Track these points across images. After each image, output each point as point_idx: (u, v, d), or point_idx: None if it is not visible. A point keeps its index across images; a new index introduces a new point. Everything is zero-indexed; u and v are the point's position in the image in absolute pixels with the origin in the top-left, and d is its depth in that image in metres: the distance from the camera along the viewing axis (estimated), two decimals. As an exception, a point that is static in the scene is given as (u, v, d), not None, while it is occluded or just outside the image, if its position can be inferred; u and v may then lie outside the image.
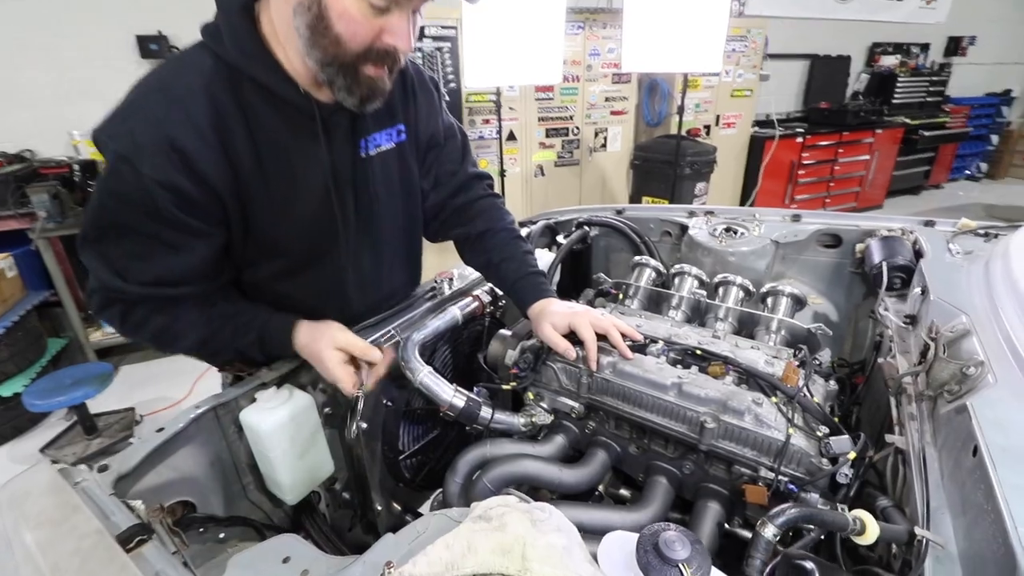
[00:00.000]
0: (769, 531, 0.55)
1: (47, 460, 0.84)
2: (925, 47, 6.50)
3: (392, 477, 1.20)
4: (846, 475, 0.76)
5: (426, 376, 0.99)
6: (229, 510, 1.01)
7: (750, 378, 0.91)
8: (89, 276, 0.88)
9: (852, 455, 0.74)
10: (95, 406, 2.61)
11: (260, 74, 0.82)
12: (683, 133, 4.61)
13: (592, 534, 0.82)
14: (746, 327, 1.17)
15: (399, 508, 1.27)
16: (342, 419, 1.10)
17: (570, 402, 1.02)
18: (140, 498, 0.82)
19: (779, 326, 1.11)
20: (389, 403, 1.12)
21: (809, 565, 0.47)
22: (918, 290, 0.96)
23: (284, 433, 0.95)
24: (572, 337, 0.99)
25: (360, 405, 0.94)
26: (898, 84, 6.18)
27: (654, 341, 1.01)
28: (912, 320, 0.96)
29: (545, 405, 1.05)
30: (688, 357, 0.98)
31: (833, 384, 0.94)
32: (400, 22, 0.78)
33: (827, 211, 1.52)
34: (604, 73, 4.24)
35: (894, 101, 6.18)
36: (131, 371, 3.14)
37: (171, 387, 2.94)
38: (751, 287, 1.23)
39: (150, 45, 3.21)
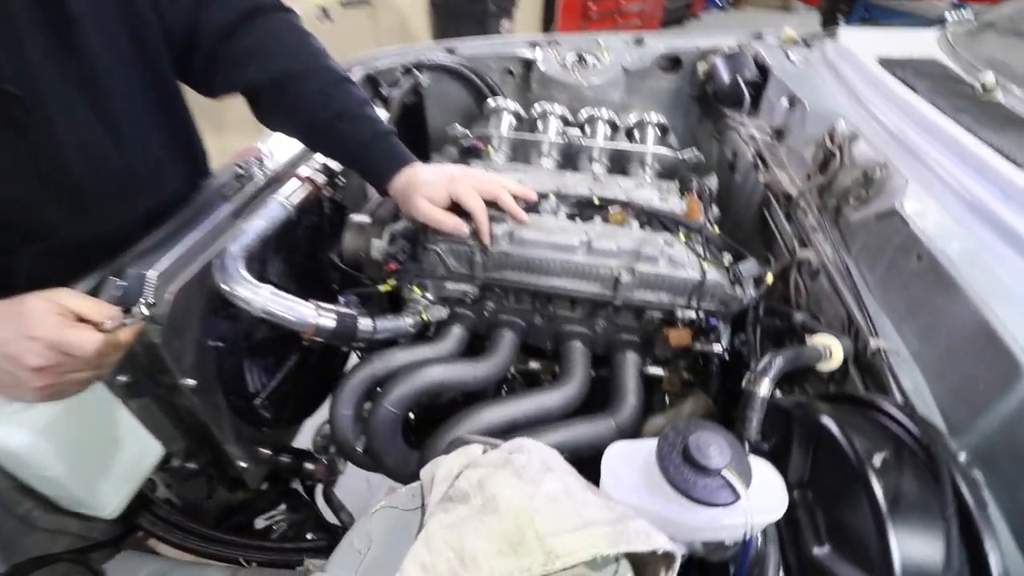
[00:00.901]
0: (764, 387, 0.51)
1: None
2: None
3: (251, 425, 0.95)
4: (753, 297, 0.76)
5: (268, 299, 0.72)
6: (13, 555, 0.68)
7: (652, 219, 0.85)
8: None
9: (770, 277, 0.73)
10: None
11: None
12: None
13: (532, 428, 0.74)
14: (618, 164, 1.09)
15: (268, 453, 1.04)
16: (153, 381, 0.79)
17: (462, 286, 0.86)
18: None
19: (652, 158, 1.06)
20: (220, 344, 0.83)
21: (825, 419, 0.42)
22: (783, 101, 0.95)
23: (57, 439, 0.62)
24: (455, 209, 0.78)
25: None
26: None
27: (544, 196, 0.87)
28: (780, 133, 0.97)
29: (431, 296, 0.87)
30: (585, 208, 0.87)
31: (716, 209, 0.93)
32: None
33: (662, 33, 1.46)
34: None
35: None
36: None
37: None
38: (618, 121, 1.14)
39: None
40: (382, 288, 0.79)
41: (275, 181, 0.92)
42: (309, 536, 0.96)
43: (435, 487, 0.38)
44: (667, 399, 0.94)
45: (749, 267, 0.76)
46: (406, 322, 0.83)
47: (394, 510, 0.39)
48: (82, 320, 0.57)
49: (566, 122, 1.15)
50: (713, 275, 0.76)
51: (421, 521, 0.36)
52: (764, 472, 0.40)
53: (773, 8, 7.50)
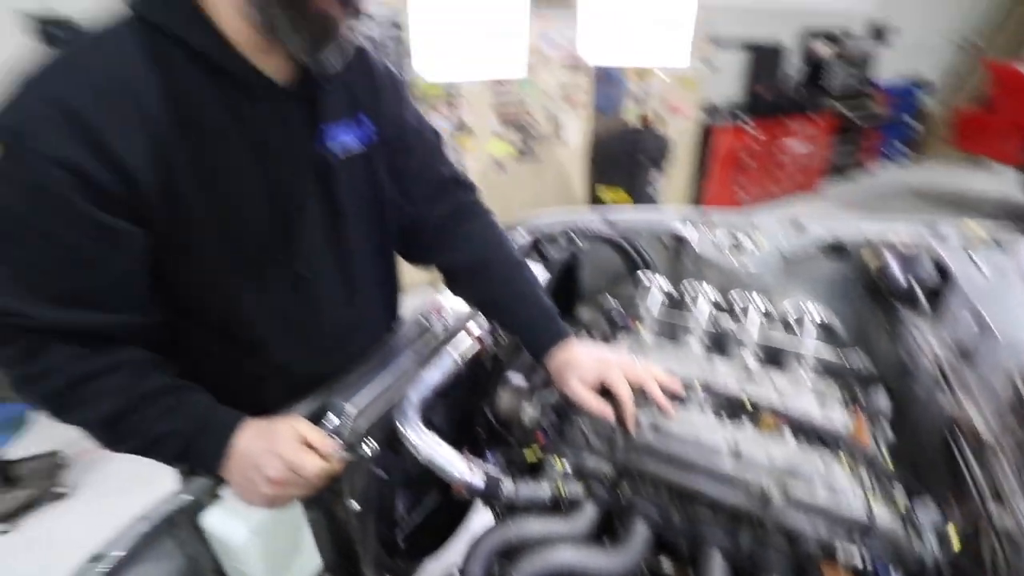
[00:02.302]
0: None
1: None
2: (854, 33, 6.80)
3: (388, 553, 1.03)
4: (934, 552, 0.67)
5: (432, 450, 0.83)
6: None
7: (809, 434, 0.82)
8: None
9: (956, 541, 0.65)
10: (11, 452, 2.24)
11: (194, 37, 0.66)
12: (637, 123, 4.58)
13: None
14: (774, 357, 1.08)
15: (393, 581, 1.10)
16: (324, 501, 0.92)
17: (602, 465, 0.89)
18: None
19: (813, 356, 1.03)
20: (383, 474, 0.95)
21: None
22: (970, 319, 0.89)
23: (261, 540, 0.76)
24: (604, 392, 0.85)
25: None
26: (830, 71, 6.44)
27: (690, 387, 0.89)
28: (965, 354, 0.89)
29: (570, 469, 0.91)
30: (733, 407, 0.87)
31: (890, 431, 0.86)
32: None
33: (824, 216, 1.47)
34: (558, 61, 4.10)
35: (826, 87, 6.44)
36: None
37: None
38: (774, 311, 1.14)
39: (48, 30, 2.69)
40: (527, 455, 0.86)
41: (451, 336, 1.09)
42: None
43: None
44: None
45: (929, 515, 0.68)
46: (544, 490, 0.87)
47: None
48: (310, 447, 0.73)
49: (718, 306, 1.18)
50: (883, 516, 0.70)
51: None
52: None
53: (960, 163, 6.87)
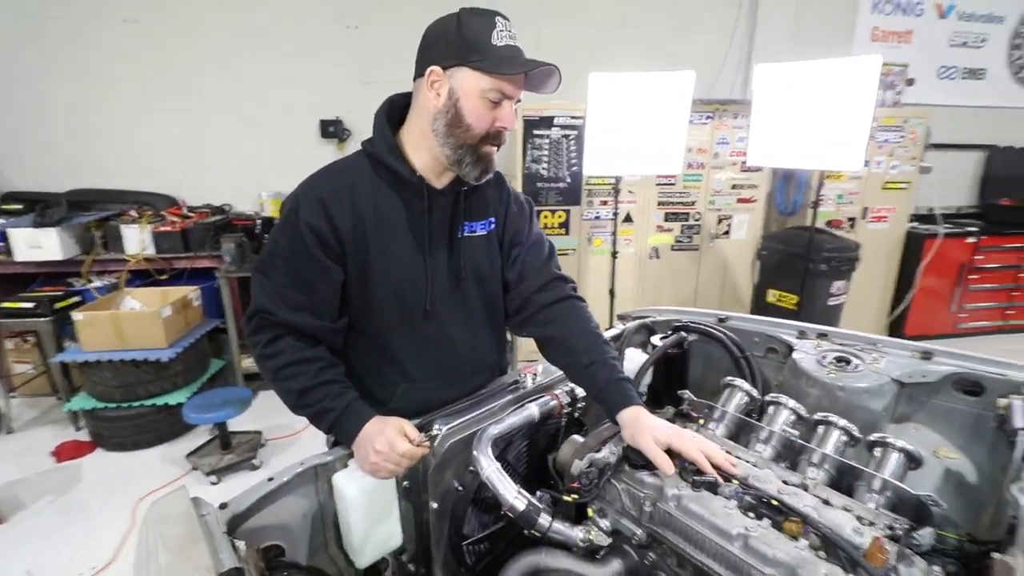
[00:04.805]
0: None
1: (186, 488, 1.03)
2: None
3: (455, 560, 1.25)
4: None
5: (493, 472, 1.04)
6: (311, 560, 1.13)
7: (829, 545, 0.83)
8: (251, 301, 1.16)
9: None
10: (232, 424, 3.04)
11: (391, 162, 1.12)
12: (822, 225, 4.30)
13: None
14: (845, 479, 1.06)
15: (458, 590, 1.30)
16: (417, 495, 1.20)
17: (632, 527, 1.00)
18: (245, 537, 0.97)
19: (884, 486, 0.99)
20: (460, 488, 1.19)
21: None
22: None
23: (364, 501, 1.07)
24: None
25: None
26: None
27: (728, 480, 0.97)
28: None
29: (607, 523, 1.04)
30: (764, 506, 0.92)
31: (937, 570, 0.81)
32: (508, 110, 1.07)
33: (970, 351, 1.33)
34: (732, 161, 4.18)
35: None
36: (265, 397, 3.59)
37: (295, 418, 3.31)
38: (855, 432, 1.12)
39: (328, 128, 3.93)
40: (565, 498, 1.02)
41: (538, 391, 1.32)
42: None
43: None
44: None
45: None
46: (577, 534, 1.01)
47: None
48: (406, 436, 1.06)
49: (799, 417, 1.20)
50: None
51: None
52: None
53: None
